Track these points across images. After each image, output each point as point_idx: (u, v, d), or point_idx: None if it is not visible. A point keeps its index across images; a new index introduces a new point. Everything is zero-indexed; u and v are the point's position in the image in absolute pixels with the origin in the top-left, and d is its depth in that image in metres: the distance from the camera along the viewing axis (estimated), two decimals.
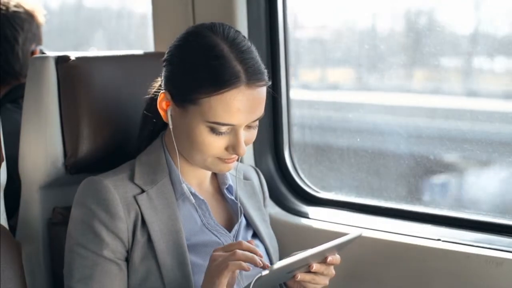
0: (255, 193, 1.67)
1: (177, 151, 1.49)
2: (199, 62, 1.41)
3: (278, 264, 1.33)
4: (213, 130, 1.42)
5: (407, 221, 1.83)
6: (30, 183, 1.68)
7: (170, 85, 1.46)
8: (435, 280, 1.68)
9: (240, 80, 1.39)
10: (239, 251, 1.34)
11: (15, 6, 2.19)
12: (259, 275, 1.30)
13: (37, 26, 2.23)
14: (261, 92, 1.43)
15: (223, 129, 1.42)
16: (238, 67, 1.39)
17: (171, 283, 1.44)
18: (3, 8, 2.16)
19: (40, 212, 1.68)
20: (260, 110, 1.44)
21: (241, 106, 1.40)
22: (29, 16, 2.21)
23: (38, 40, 2.23)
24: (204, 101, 1.40)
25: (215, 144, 1.43)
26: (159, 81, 1.54)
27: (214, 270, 1.35)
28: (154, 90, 1.55)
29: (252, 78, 1.40)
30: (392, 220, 1.85)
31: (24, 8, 2.20)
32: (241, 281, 1.48)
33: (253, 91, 1.41)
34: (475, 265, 1.62)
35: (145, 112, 1.57)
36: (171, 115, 1.47)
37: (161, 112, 1.49)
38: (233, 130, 1.43)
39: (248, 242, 1.39)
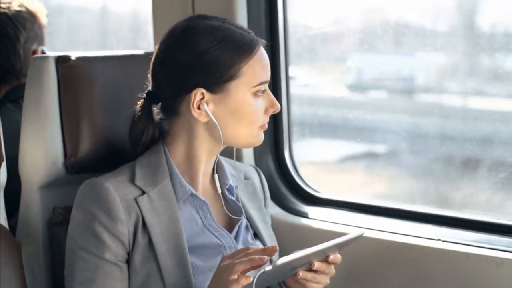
0: (255, 193, 1.67)
1: (222, 142, 1.49)
2: (221, 41, 1.47)
3: (281, 260, 1.33)
4: (256, 94, 1.49)
5: (407, 221, 1.83)
6: (30, 183, 1.68)
7: (200, 79, 1.47)
8: (435, 280, 1.68)
9: (255, 40, 1.50)
10: (236, 262, 1.32)
11: (18, 5, 2.20)
12: (263, 270, 1.31)
13: (39, 26, 2.24)
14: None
15: (263, 87, 1.50)
16: (245, 33, 1.50)
17: (172, 285, 1.44)
18: (6, 7, 2.17)
19: (40, 212, 1.68)
20: None
21: (266, 61, 1.52)
22: (32, 16, 2.22)
23: (40, 40, 2.24)
24: (246, 68, 1.47)
25: (259, 109, 1.50)
26: (143, 96, 1.54)
27: (223, 282, 1.33)
28: (140, 105, 1.55)
29: (258, 39, 1.51)
30: (392, 220, 1.85)
31: (26, 8, 2.21)
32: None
33: (263, 49, 1.52)
34: (475, 265, 1.62)
35: (132, 133, 1.56)
36: (209, 110, 1.48)
37: (196, 113, 1.48)
38: (265, 90, 1.52)
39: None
